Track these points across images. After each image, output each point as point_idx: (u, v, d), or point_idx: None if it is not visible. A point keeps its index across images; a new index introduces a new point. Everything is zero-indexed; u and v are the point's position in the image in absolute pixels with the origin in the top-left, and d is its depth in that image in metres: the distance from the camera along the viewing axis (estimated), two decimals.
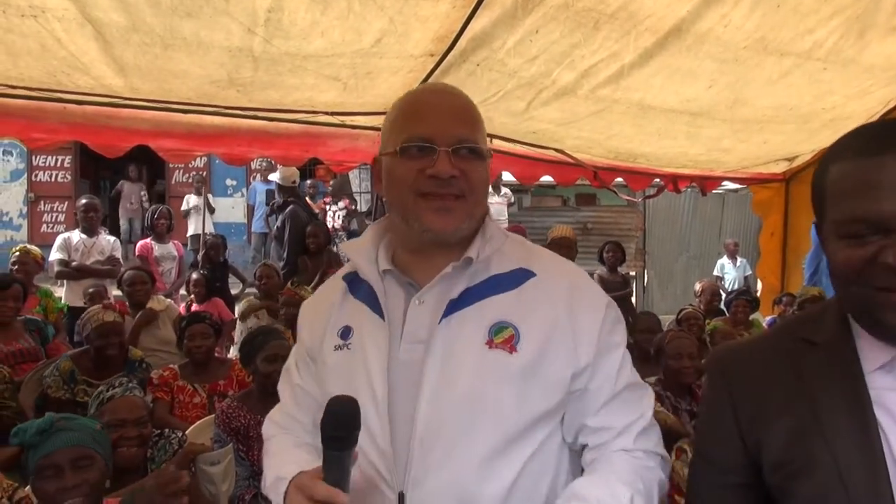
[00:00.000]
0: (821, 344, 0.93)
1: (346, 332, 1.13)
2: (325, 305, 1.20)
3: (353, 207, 9.10)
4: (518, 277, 1.11)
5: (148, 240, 5.42)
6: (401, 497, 1.03)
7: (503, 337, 1.06)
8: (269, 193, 8.80)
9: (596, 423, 1.09)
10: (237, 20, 2.65)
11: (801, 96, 3.64)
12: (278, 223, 5.71)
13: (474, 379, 1.03)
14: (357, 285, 1.17)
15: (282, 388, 1.30)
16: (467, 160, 1.07)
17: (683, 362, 2.95)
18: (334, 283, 1.23)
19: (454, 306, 1.07)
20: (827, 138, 4.45)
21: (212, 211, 9.48)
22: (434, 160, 1.05)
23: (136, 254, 5.41)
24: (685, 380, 2.97)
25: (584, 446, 1.11)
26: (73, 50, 2.87)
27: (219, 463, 2.07)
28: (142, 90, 3.32)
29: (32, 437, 1.73)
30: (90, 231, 4.89)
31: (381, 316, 1.10)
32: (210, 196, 10.03)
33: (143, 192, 11.05)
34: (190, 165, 11.46)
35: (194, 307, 4.53)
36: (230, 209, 10.97)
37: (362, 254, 1.16)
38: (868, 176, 0.83)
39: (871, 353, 0.89)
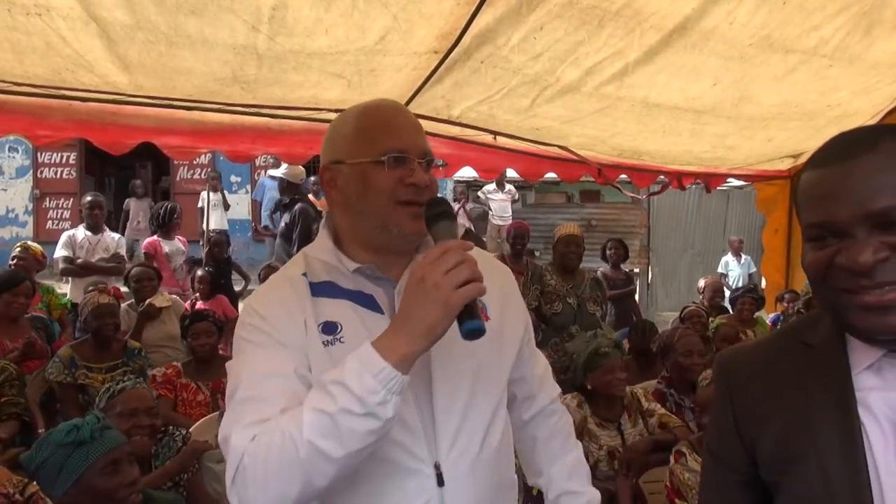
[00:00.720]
0: (816, 346, 0.98)
1: (330, 328, 1.15)
2: (293, 302, 1.17)
3: None
4: None
5: (155, 237, 5.40)
6: (437, 467, 1.13)
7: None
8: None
9: (525, 373, 1.38)
10: (241, 18, 2.65)
11: (807, 93, 3.63)
12: (286, 220, 5.70)
13: (468, 346, 1.07)
14: (318, 285, 1.19)
15: (254, 388, 1.09)
16: (431, 171, 1.21)
17: (693, 359, 2.96)
18: (291, 283, 1.20)
19: None
20: (832, 135, 4.43)
21: (227, 207, 9.53)
22: (411, 171, 1.16)
23: (143, 250, 5.41)
24: (693, 377, 2.97)
25: (512, 397, 1.37)
26: (77, 48, 2.87)
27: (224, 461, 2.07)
28: (146, 87, 3.33)
29: (92, 433, 1.77)
30: (95, 228, 4.90)
31: (378, 311, 1.18)
32: (225, 192, 10.08)
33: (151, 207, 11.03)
34: (195, 162, 11.48)
35: (199, 305, 4.54)
36: (235, 206, 11.00)
37: (333, 256, 1.21)
38: (826, 184, 0.89)
39: (859, 354, 0.92)
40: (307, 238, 5.37)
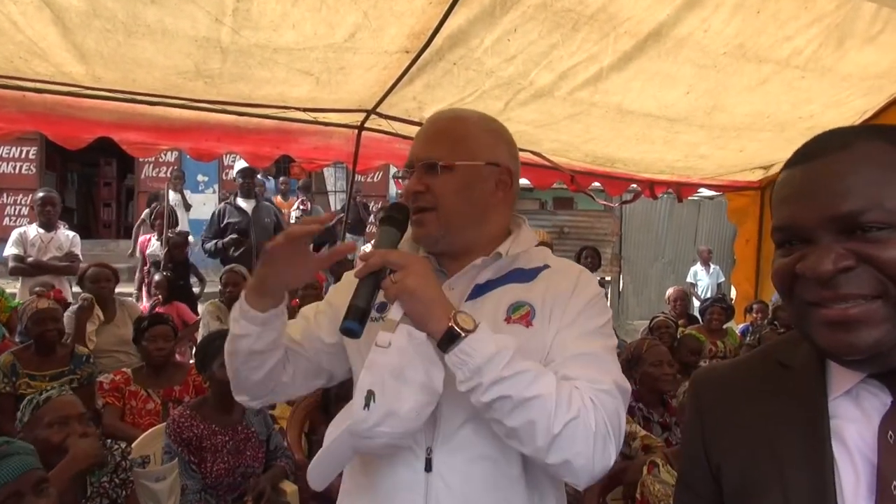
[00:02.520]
0: (794, 367, 0.89)
1: (382, 307, 1.21)
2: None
3: (308, 207, 8.87)
4: (536, 271, 1.26)
5: (148, 237, 5.36)
6: (428, 451, 1.14)
7: (520, 314, 1.19)
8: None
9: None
10: (203, 8, 2.55)
11: (779, 104, 3.63)
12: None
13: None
14: None
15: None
16: (432, 176, 1.21)
17: (663, 369, 2.91)
18: None
19: (478, 291, 1.23)
20: None
21: (188, 208, 9.28)
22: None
23: (139, 251, 5.47)
24: (664, 387, 2.93)
25: None
26: (30, 34, 2.74)
27: (164, 479, 1.95)
28: (104, 79, 3.20)
29: None
30: (48, 225, 4.69)
31: None
32: (187, 192, 9.81)
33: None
34: (160, 160, 11.20)
35: (159, 309, 4.36)
36: (201, 206, 10.71)
37: (408, 242, 1.27)
38: (793, 183, 0.80)
39: (837, 378, 0.84)
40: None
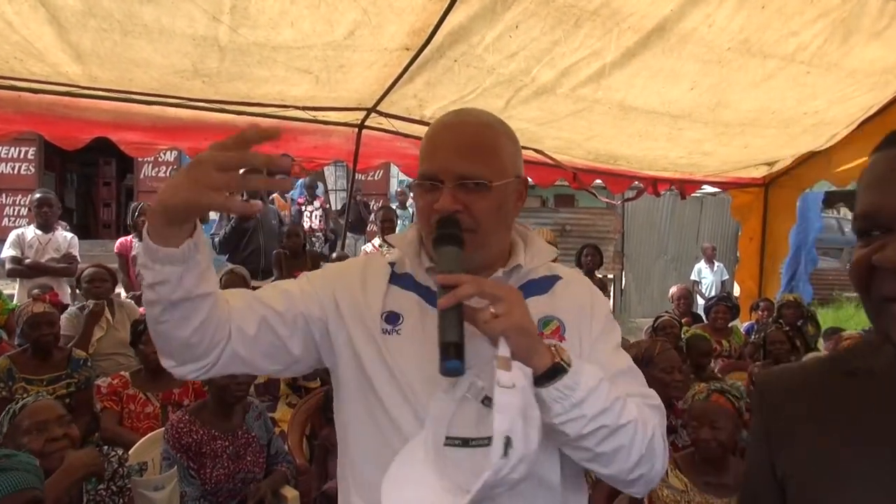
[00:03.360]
0: (872, 373, 0.81)
1: (392, 318, 1.18)
2: (373, 284, 1.22)
3: (328, 206, 8.82)
4: (548, 282, 1.23)
5: (129, 237, 5.14)
6: None
7: (551, 328, 1.17)
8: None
9: None
10: (200, 7, 2.51)
11: (784, 100, 3.59)
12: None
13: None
14: (399, 276, 1.23)
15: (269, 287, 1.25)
16: (467, 193, 1.13)
17: (675, 376, 2.85)
18: (378, 266, 1.26)
19: None
20: (808, 143, 4.42)
21: None
22: (438, 197, 1.13)
23: (116, 251, 5.08)
24: (673, 393, 2.87)
25: None
26: (25, 34, 2.71)
27: (162, 488, 1.91)
28: (101, 79, 3.17)
29: None
30: (45, 227, 4.64)
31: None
32: None
33: None
34: (160, 159, 11.17)
35: None
36: None
37: (410, 249, 1.23)
38: (878, 169, 0.74)
39: None
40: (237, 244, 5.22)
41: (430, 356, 1.04)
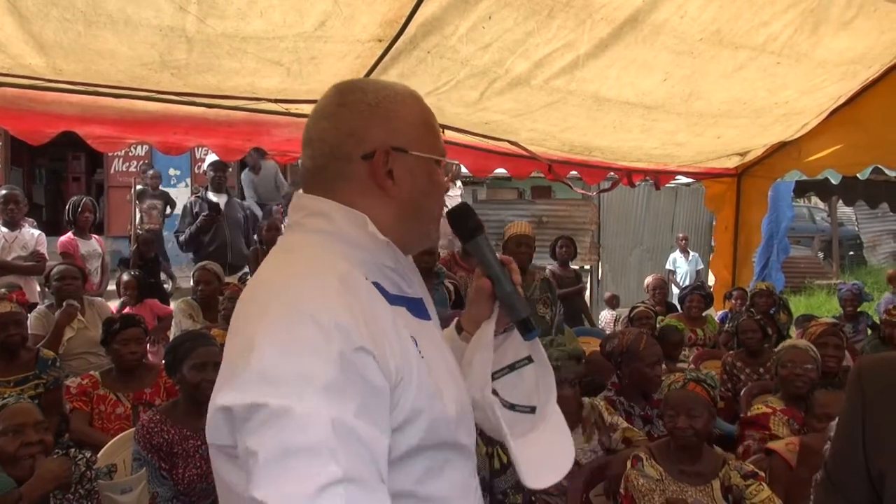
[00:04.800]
0: None
1: (415, 341, 0.98)
2: (384, 319, 0.93)
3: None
4: None
5: (70, 235, 4.90)
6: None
7: None
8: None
9: None
10: None
11: (756, 90, 3.63)
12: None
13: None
14: (385, 292, 0.99)
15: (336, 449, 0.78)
16: None
17: (657, 370, 2.86)
18: (367, 291, 0.94)
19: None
20: (779, 133, 4.47)
21: (173, 206, 9.07)
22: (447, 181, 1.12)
23: (60, 250, 4.83)
24: (652, 388, 2.88)
25: None
26: None
27: (130, 490, 1.88)
28: (66, 71, 3.08)
29: None
30: (12, 224, 4.51)
31: (426, 317, 1.08)
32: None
33: None
34: (130, 154, 10.95)
35: (127, 309, 4.22)
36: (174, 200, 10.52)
37: (391, 255, 1.02)
38: None
39: None
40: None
41: (447, 377, 1.02)
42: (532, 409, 1.12)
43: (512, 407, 1.12)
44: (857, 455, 0.83)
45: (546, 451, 1.09)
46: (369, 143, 1.00)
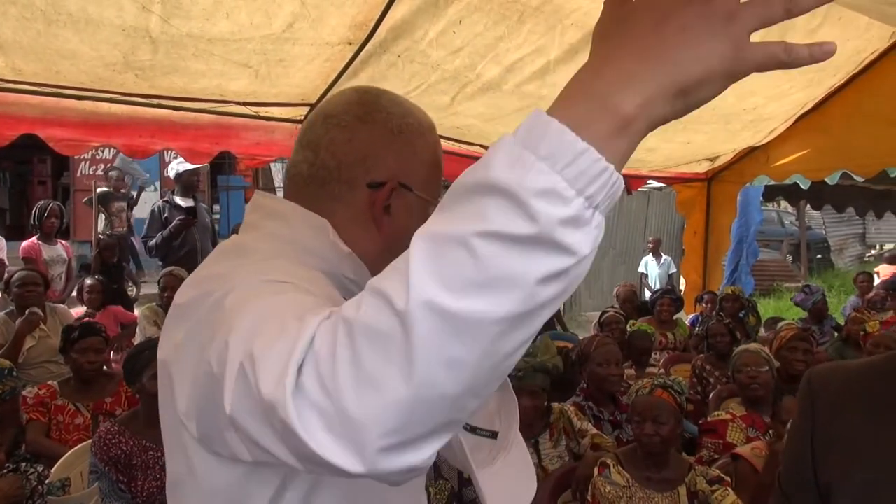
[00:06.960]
0: None
1: None
2: None
3: None
4: None
5: (34, 240, 4.77)
6: None
7: None
8: None
9: None
10: None
11: (724, 96, 3.53)
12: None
13: None
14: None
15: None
16: None
17: (611, 369, 2.87)
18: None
19: None
20: (747, 139, 4.53)
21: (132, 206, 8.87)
22: None
23: (22, 255, 4.71)
24: (611, 387, 2.90)
25: None
26: None
27: None
28: (26, 71, 2.99)
29: None
30: None
31: None
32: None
33: None
34: (97, 157, 10.73)
35: (87, 318, 4.09)
36: (142, 204, 10.30)
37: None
38: None
39: None
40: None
41: None
42: (493, 435, 1.05)
43: (473, 430, 1.07)
44: (805, 466, 0.83)
45: (513, 483, 1.06)
46: (380, 173, 0.93)
